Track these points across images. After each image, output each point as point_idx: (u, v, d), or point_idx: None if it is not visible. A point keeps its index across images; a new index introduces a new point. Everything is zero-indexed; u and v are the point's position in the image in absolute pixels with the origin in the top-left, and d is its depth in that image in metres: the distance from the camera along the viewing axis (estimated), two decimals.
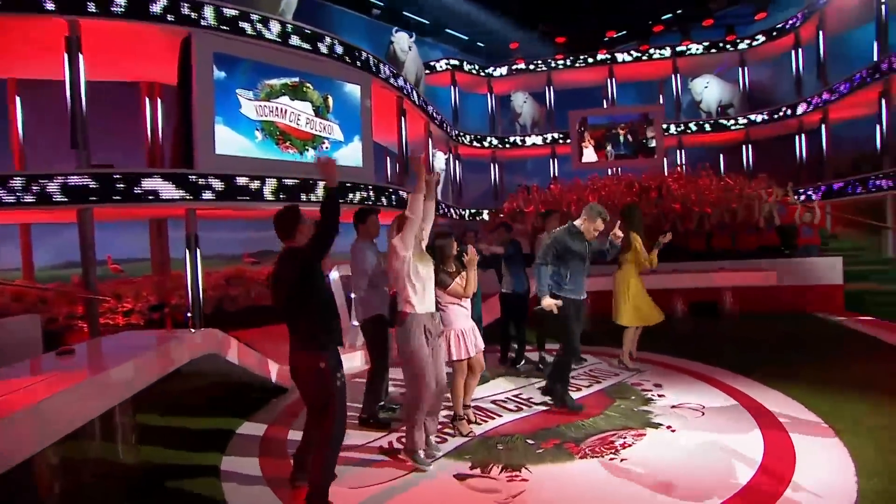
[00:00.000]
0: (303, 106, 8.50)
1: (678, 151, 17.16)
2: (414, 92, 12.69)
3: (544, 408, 4.34)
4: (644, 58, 17.45)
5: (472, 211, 17.51)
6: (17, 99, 8.80)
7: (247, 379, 4.71)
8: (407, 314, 3.28)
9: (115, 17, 6.75)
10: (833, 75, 13.75)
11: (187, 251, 7.20)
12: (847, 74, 12.76)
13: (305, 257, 2.78)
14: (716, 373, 5.10)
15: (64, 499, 3.02)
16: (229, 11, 7.53)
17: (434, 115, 14.65)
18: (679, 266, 8.24)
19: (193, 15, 7.19)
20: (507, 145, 18.58)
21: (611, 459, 3.27)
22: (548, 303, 4.02)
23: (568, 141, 16.49)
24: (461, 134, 17.57)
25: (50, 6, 6.50)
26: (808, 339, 6.60)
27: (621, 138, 15.67)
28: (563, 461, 3.28)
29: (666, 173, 14.21)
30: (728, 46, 16.78)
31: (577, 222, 4.19)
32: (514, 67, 18.66)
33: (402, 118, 11.86)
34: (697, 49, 17.03)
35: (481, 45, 21.54)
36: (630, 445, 3.47)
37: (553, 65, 18.16)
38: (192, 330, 5.47)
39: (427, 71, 16.15)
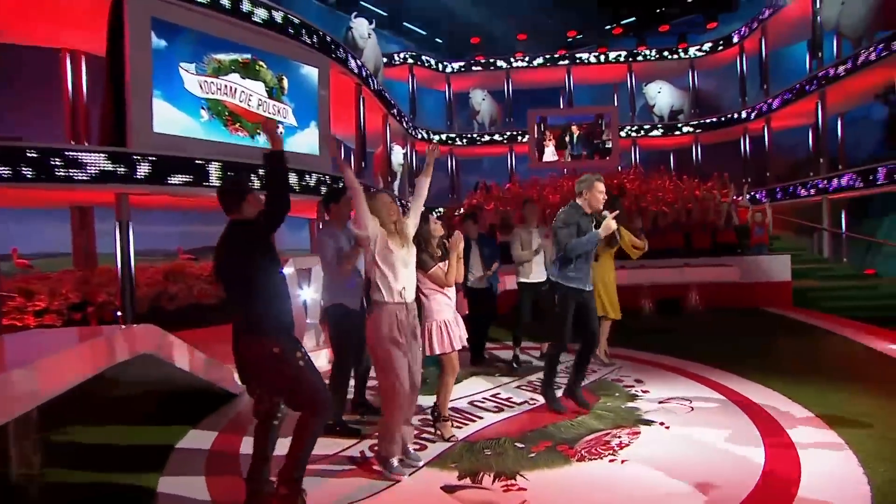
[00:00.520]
0: (255, 86, 7.80)
1: (632, 153, 17.64)
2: (374, 80, 12.17)
3: (527, 407, 4.04)
4: (601, 60, 17.84)
5: (429, 208, 17.16)
6: None
7: (191, 383, 4.08)
8: (375, 303, 2.88)
9: None
10: (774, 86, 14.58)
11: (118, 240, 6.31)
12: (787, 86, 13.56)
13: (256, 230, 2.44)
14: (692, 367, 5.04)
15: None
16: None
17: (393, 107, 14.17)
18: (646, 263, 8.28)
19: None
20: (465, 141, 18.40)
21: (611, 461, 3.00)
22: (608, 223, 3.57)
23: (526, 139, 16.52)
24: (418, 129, 17.19)
25: None
26: (768, 332, 6.79)
27: (576, 139, 15.87)
28: (559, 465, 2.97)
29: (621, 173, 14.51)
30: (679, 54, 17.45)
31: (578, 202, 3.79)
32: (473, 64, 18.52)
33: (361, 108, 11.30)
34: (651, 54, 17.60)
35: (439, 40, 21.27)
36: (627, 445, 3.22)
37: (512, 63, 18.17)
38: (123, 326, 4.73)
39: (384, 61, 15.64)
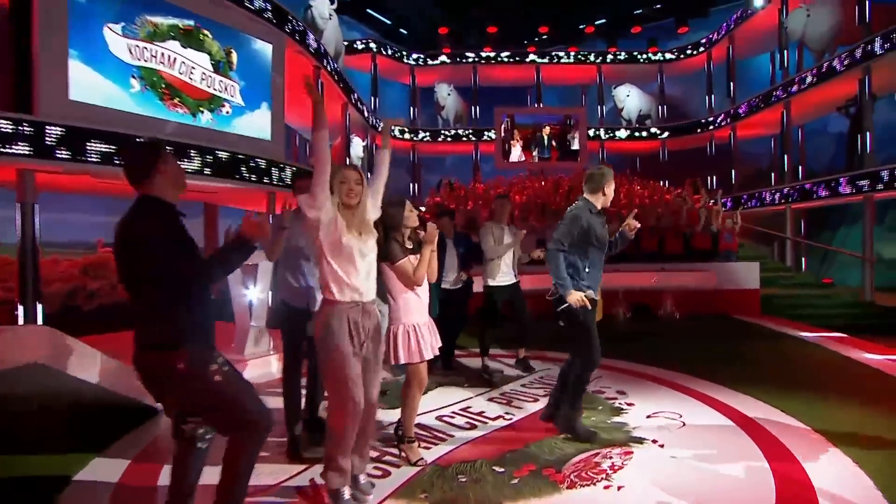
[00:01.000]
0: (198, 57, 7.11)
1: (600, 156, 17.82)
2: (334, 64, 11.60)
3: (503, 423, 3.68)
4: (571, 60, 17.95)
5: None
6: None
7: (101, 398, 3.44)
8: (325, 302, 2.44)
9: None
10: (740, 94, 15.09)
11: (20, 226, 5.46)
12: (752, 95, 14.04)
13: (169, 216, 2.00)
14: (674, 377, 4.86)
15: None
16: None
17: (354, 95, 13.62)
18: (619, 267, 8.18)
19: None
20: (428, 136, 18.05)
21: (605, 487, 2.68)
22: (576, 298, 3.09)
23: (492, 135, 16.35)
24: (380, 121, 16.67)
25: None
26: (744, 340, 6.78)
27: (545, 139, 15.84)
28: (548, 493, 2.62)
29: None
30: (648, 57, 17.82)
31: (590, 198, 3.28)
32: (439, 55, 18.20)
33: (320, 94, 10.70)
34: (621, 56, 17.89)
35: (404, 31, 20.83)
36: (621, 467, 2.91)
37: (481, 58, 17.99)
38: (14, 327, 4.01)
39: (347, 51, 15.04)
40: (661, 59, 17.65)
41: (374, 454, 2.98)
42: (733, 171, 15.43)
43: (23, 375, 2.74)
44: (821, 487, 2.63)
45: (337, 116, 13.04)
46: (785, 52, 13.26)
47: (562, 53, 18.05)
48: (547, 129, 15.73)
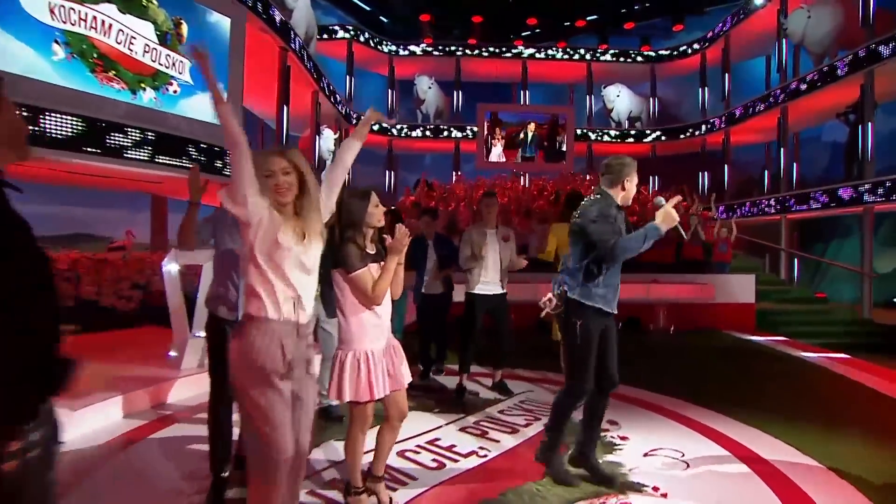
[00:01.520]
0: (140, 26, 6.50)
1: (587, 157, 17.61)
2: (303, 49, 11.04)
3: (476, 461, 3.22)
4: (559, 56, 17.71)
5: None
6: None
7: None
8: (249, 320, 1.89)
9: None
10: (734, 99, 15.05)
11: None
12: (745, 100, 14.00)
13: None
14: (671, 404, 4.48)
15: None
16: None
17: (325, 84, 13.06)
18: None
19: None
20: (406, 130, 17.56)
21: None
22: (671, 204, 2.63)
23: (473, 132, 15.97)
24: (353, 115, 16.13)
25: None
26: (742, 360, 6.49)
27: (531, 139, 15.51)
28: None
29: (576, 178, 14.30)
30: (639, 57, 17.71)
31: (610, 191, 2.90)
32: (419, 45, 17.77)
33: (286, 80, 10.11)
34: (611, 53, 17.74)
35: (385, 19, 20.36)
36: None
37: (464, 50, 17.62)
38: None
39: (319, 35, 14.49)
40: (654, 57, 17.56)
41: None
42: (726, 178, 15.37)
43: None
44: None
45: (306, 105, 12.48)
46: (783, 54, 13.24)
47: (551, 49, 17.82)
48: (532, 127, 15.40)
